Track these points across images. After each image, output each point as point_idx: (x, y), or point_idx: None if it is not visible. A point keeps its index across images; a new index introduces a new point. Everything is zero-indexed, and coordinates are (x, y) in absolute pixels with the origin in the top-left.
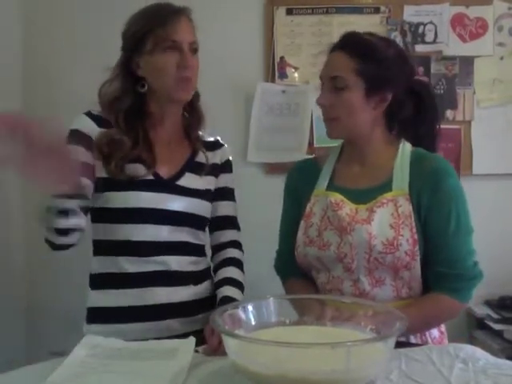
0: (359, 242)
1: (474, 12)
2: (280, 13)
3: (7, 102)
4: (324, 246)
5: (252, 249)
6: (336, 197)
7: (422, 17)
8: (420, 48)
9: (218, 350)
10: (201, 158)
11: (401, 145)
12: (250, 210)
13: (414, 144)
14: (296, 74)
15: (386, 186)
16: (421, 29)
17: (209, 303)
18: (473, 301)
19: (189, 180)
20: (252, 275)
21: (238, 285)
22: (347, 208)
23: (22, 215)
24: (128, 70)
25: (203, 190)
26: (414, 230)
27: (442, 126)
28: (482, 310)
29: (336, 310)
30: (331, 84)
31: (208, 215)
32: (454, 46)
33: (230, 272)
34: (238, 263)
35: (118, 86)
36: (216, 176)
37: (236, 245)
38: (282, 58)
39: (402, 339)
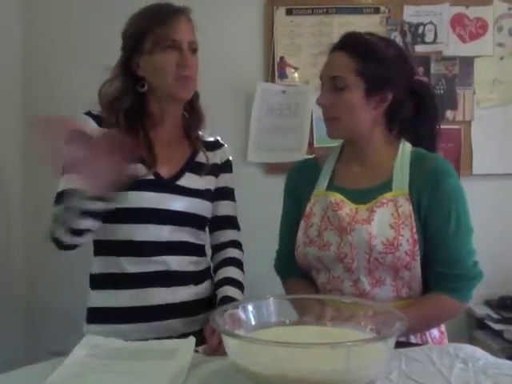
0: (359, 242)
1: (473, 12)
2: (280, 13)
3: (7, 102)
4: (324, 246)
5: (252, 249)
6: (336, 197)
7: (421, 17)
8: (420, 48)
9: (218, 350)
10: (201, 158)
11: (401, 145)
12: (250, 210)
13: (414, 144)
14: (296, 74)
15: (386, 186)
16: (421, 29)
17: (209, 303)
18: (473, 301)
19: (189, 180)
20: (252, 275)
21: (238, 285)
22: (347, 208)
23: (22, 215)
24: (128, 70)
25: (203, 190)
26: (414, 229)
27: (442, 126)
28: (482, 310)
29: (336, 310)
30: (331, 84)
31: (208, 215)
32: (454, 47)
33: (230, 272)
34: (237, 263)
35: (118, 86)
36: (216, 176)
37: (236, 245)
38: (281, 58)
39: (402, 339)
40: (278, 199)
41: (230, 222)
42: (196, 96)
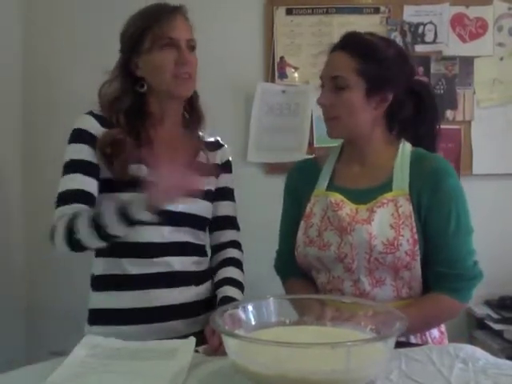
0: (359, 242)
1: (473, 12)
2: (280, 13)
3: (7, 101)
4: (324, 247)
5: (252, 249)
6: (336, 197)
7: (421, 17)
8: (420, 48)
9: (219, 350)
10: (201, 158)
11: (401, 145)
12: (250, 210)
13: (414, 144)
14: (296, 74)
15: (386, 186)
16: (421, 29)
17: (209, 304)
18: (473, 301)
19: None
20: (252, 275)
21: (237, 285)
22: (347, 208)
23: (22, 215)
24: (127, 71)
25: (204, 191)
26: (415, 230)
27: (442, 126)
28: (482, 310)
29: (336, 310)
30: (332, 84)
31: (209, 215)
32: (454, 46)
33: (230, 272)
34: (237, 263)
35: (118, 87)
36: (216, 176)
37: (236, 245)
38: (281, 58)
39: (402, 339)
40: (278, 199)
41: (230, 223)
42: (196, 96)
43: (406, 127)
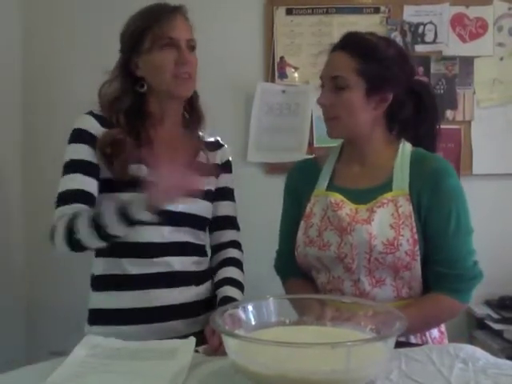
0: (359, 242)
1: (473, 12)
2: (280, 13)
3: (7, 101)
4: (324, 247)
5: (252, 249)
6: (336, 197)
7: (421, 17)
8: (420, 48)
9: (219, 350)
10: (201, 158)
11: (401, 145)
12: (250, 210)
13: (414, 144)
14: (296, 74)
15: (386, 186)
16: (421, 29)
17: (209, 304)
18: (473, 301)
19: None
20: (252, 275)
21: (237, 285)
22: (347, 208)
23: (22, 215)
24: (127, 71)
25: (204, 191)
26: (415, 230)
27: (442, 126)
28: (482, 310)
29: (336, 310)
30: (332, 84)
31: (209, 215)
32: (454, 46)
33: (230, 272)
34: (237, 263)
35: (118, 87)
36: (216, 176)
37: (236, 245)
38: (281, 58)
39: (402, 339)
40: (278, 199)
41: (230, 223)
42: (196, 96)
43: (406, 127)
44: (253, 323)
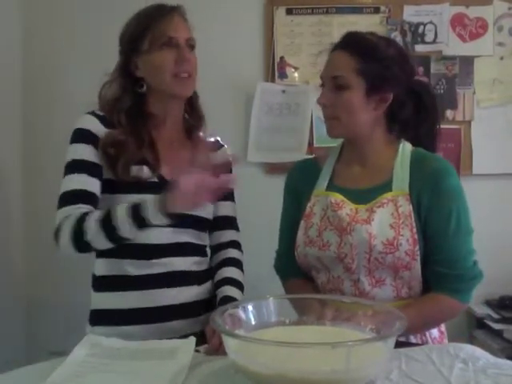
0: (359, 242)
1: (473, 12)
2: (280, 13)
3: (7, 101)
4: (324, 246)
5: (252, 249)
6: (336, 197)
7: (421, 17)
8: (420, 48)
9: (220, 350)
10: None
11: (401, 145)
12: (250, 210)
13: (414, 144)
14: (296, 74)
15: (386, 186)
16: (421, 29)
17: (209, 304)
18: (473, 301)
19: None
20: (252, 275)
21: (237, 285)
22: (347, 208)
23: (22, 215)
24: (127, 73)
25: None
26: (414, 230)
27: (442, 126)
28: (481, 310)
29: (336, 310)
30: (332, 83)
31: (210, 216)
32: (454, 46)
33: (230, 272)
34: (237, 263)
35: (118, 88)
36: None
37: (235, 245)
38: (281, 57)
39: (402, 339)
40: (278, 199)
41: (230, 223)
42: (196, 96)
43: (406, 127)
44: (253, 323)
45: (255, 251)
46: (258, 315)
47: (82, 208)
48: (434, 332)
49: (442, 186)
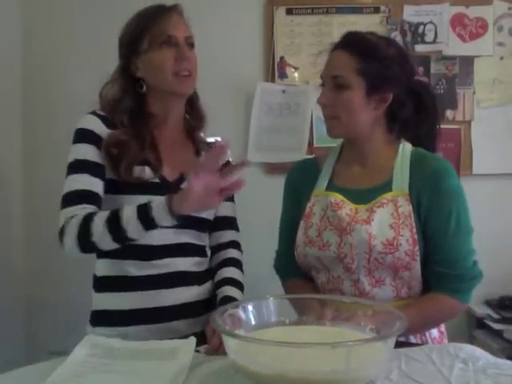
0: (359, 242)
1: (473, 12)
2: (280, 13)
3: (7, 101)
4: (324, 246)
5: (252, 249)
6: (336, 197)
7: (421, 17)
8: (420, 48)
9: (220, 350)
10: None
11: (401, 145)
12: (250, 210)
13: (414, 144)
14: (296, 74)
15: (386, 187)
16: (421, 29)
17: (209, 304)
18: (473, 301)
19: None
20: (252, 275)
21: (237, 285)
22: (347, 208)
23: (22, 215)
24: (127, 73)
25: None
26: (414, 230)
27: (442, 126)
28: (482, 310)
29: (336, 310)
30: (332, 83)
31: (210, 217)
32: (454, 46)
33: (230, 272)
34: (237, 263)
35: (118, 89)
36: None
37: (235, 245)
38: (281, 57)
39: (402, 339)
40: (278, 199)
41: (230, 223)
42: (196, 96)
43: (406, 127)
44: (253, 323)
45: (255, 251)
46: (258, 315)
47: (87, 208)
48: (434, 332)
49: (442, 186)
